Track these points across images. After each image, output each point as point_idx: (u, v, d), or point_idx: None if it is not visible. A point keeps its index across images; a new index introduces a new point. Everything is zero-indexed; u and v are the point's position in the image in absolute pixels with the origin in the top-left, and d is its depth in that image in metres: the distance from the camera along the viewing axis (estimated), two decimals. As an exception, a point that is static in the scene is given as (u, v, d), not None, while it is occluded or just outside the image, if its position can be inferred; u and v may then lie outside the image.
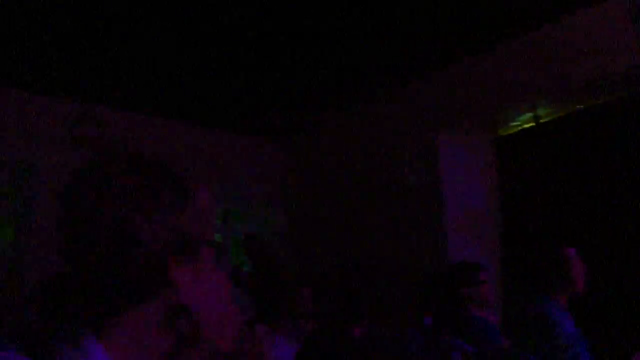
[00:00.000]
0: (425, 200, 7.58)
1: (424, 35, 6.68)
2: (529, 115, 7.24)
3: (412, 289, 6.72)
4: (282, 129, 9.47)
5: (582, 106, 6.94)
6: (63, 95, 8.13)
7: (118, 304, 1.26)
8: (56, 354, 1.20)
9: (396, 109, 8.15)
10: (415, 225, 7.66)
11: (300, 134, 9.58)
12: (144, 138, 8.73)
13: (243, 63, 7.22)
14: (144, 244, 1.22)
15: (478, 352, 4.05)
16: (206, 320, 1.29)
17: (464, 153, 7.72)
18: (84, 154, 8.27)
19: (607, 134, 6.69)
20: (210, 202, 1.41)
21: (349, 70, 7.49)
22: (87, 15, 6.08)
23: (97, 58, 7.05)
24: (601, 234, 6.48)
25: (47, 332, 1.31)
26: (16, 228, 8.38)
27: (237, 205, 10.01)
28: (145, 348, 1.25)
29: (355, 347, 4.25)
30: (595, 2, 5.98)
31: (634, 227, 6.23)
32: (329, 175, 9.11)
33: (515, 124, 7.53)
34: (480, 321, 5.06)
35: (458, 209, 7.47)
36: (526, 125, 7.52)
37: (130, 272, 1.22)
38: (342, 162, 8.89)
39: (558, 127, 7.20)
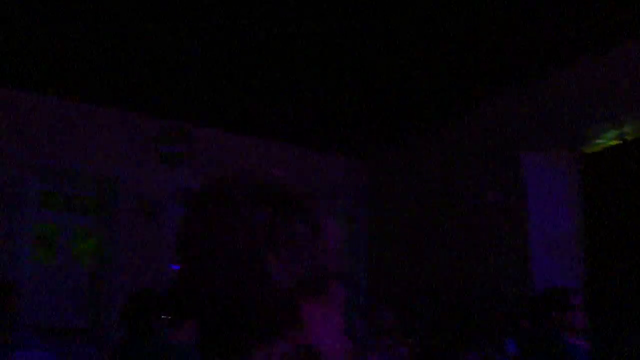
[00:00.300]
0: (508, 220, 7.45)
1: (507, 52, 6.60)
2: (615, 132, 7.03)
3: (493, 312, 6.62)
4: (363, 147, 9.49)
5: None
6: (150, 112, 8.38)
7: (241, 346, 1.16)
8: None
9: (479, 126, 8.05)
10: (497, 245, 7.54)
11: (382, 153, 9.56)
12: (228, 154, 8.92)
13: (329, 84, 7.31)
14: (276, 282, 1.12)
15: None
16: (329, 354, 1.21)
17: (548, 171, 7.55)
18: (168, 169, 8.52)
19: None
20: (338, 232, 1.31)
21: (430, 89, 7.46)
22: (177, 36, 6.27)
23: (187, 77, 7.25)
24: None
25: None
26: (99, 239, 8.67)
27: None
28: None
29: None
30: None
31: None
32: (409, 194, 9.06)
33: (600, 141, 7.32)
34: (570, 348, 4.91)
35: (541, 229, 7.31)
36: (612, 143, 7.30)
37: (258, 312, 1.13)
38: (423, 181, 8.83)
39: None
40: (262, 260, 1.12)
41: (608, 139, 7.26)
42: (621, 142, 7.16)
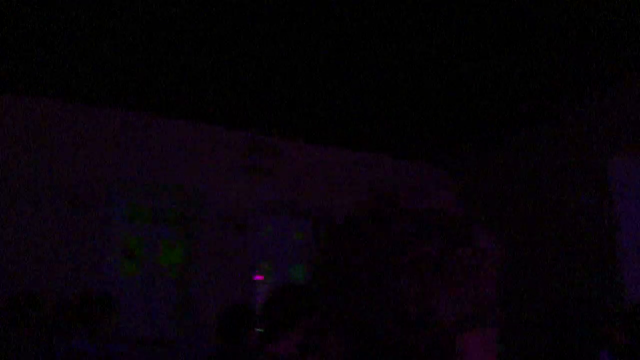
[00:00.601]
0: (596, 226, 7.25)
1: (593, 57, 6.45)
2: None
3: (586, 323, 6.45)
4: (449, 155, 9.40)
5: None
6: (236, 125, 8.52)
7: None
8: None
9: (565, 132, 7.87)
10: (585, 252, 7.34)
11: (469, 160, 9.44)
12: (312, 166, 8.97)
13: (413, 93, 7.28)
14: (440, 319, 1.00)
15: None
16: None
17: (638, 176, 7.32)
18: (253, 181, 8.63)
19: None
20: (499, 255, 1.14)
21: (517, 97, 7.35)
22: (263, 52, 6.35)
23: (272, 90, 7.34)
24: None
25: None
26: (184, 251, 8.83)
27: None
28: None
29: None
30: None
31: None
32: (495, 203, 8.91)
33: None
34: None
35: (632, 235, 7.08)
36: None
37: (417, 349, 1.01)
38: (509, 189, 8.68)
39: None
40: (428, 296, 1.00)
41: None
42: None
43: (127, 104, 8.01)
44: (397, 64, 6.60)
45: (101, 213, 8.01)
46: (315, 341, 3.45)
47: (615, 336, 5.26)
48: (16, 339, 4.44)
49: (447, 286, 1.01)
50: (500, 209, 8.78)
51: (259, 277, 9.07)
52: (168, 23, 5.90)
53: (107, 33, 6.14)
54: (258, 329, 4.32)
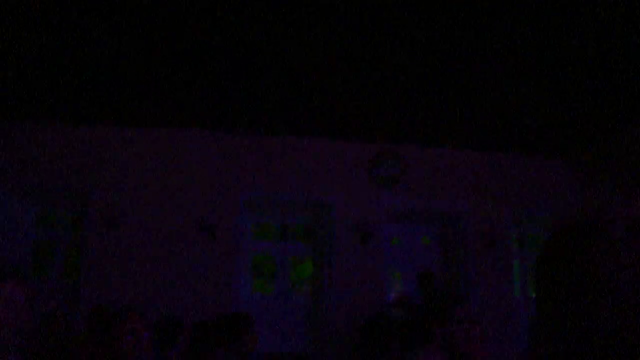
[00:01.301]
0: None
1: None
2: None
3: None
4: (571, 146, 9.02)
5: None
6: (359, 137, 8.50)
7: None
8: None
9: None
10: None
11: (590, 151, 9.03)
12: (437, 171, 8.82)
13: (530, 85, 7.01)
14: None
15: None
16: None
17: None
18: (381, 192, 8.58)
19: None
20: None
21: (634, 87, 6.95)
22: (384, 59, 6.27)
23: (391, 100, 7.25)
24: None
25: None
26: (315, 263, 8.85)
27: (531, 229, 9.75)
28: None
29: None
30: None
31: None
32: (620, 192, 8.47)
33: None
34: None
35: None
36: None
37: None
38: (627, 179, 8.22)
39: None
40: (629, 327, 0.94)
41: None
42: None
43: (249, 127, 8.14)
44: (524, 60, 6.35)
45: (230, 234, 8.15)
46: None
47: None
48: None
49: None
50: (620, 199, 8.32)
51: (391, 296, 8.99)
52: (297, 47, 5.92)
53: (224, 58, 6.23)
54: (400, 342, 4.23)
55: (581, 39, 6.02)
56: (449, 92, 7.12)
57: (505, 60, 6.42)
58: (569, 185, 9.47)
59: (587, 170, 9.19)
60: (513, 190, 9.09)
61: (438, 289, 8.04)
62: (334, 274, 8.29)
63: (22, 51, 6.35)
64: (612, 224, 1.02)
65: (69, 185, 8.49)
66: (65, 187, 8.53)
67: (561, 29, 5.84)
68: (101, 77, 6.93)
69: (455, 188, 8.84)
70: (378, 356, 4.46)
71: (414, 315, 7.74)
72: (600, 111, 7.76)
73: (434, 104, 7.46)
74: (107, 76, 6.91)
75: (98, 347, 5.19)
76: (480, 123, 8.07)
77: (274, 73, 6.60)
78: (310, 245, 8.94)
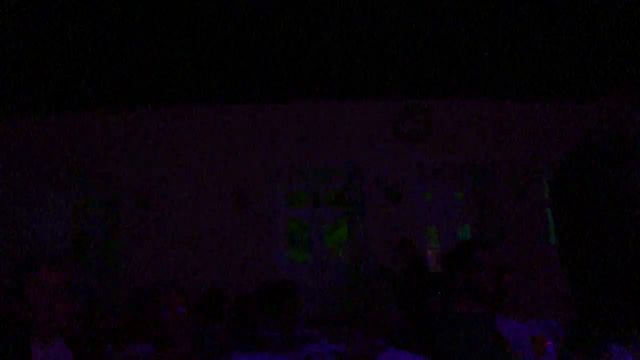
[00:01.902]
0: None
1: None
2: None
3: None
4: (604, 90, 8.80)
5: None
6: (385, 95, 8.39)
7: None
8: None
9: None
10: None
11: (623, 94, 8.77)
12: (465, 125, 8.69)
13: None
14: None
15: None
16: None
17: None
18: (408, 149, 8.48)
19: None
20: None
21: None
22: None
23: (415, 52, 7.15)
24: None
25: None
26: (349, 228, 8.85)
27: None
28: None
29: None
30: None
31: None
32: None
33: None
34: None
35: None
36: None
37: None
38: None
39: None
40: None
41: None
42: None
43: (275, 96, 8.12)
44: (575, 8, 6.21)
45: (263, 204, 8.17)
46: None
47: None
48: (210, 332, 4.56)
49: None
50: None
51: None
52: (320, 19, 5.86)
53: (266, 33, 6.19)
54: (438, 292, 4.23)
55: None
56: (469, 41, 7.01)
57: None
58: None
59: (621, 115, 8.99)
60: (543, 138, 8.96)
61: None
62: (369, 236, 8.28)
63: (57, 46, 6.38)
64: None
65: (101, 172, 8.57)
66: (97, 174, 8.61)
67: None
68: (127, 60, 6.94)
69: (485, 140, 8.72)
70: (418, 308, 4.48)
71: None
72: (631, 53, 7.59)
73: (455, 54, 7.35)
74: (132, 59, 6.91)
75: (138, 327, 5.26)
76: (507, 70, 7.93)
77: (294, 38, 6.55)
78: (343, 209, 8.92)
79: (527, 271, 8.47)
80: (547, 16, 6.51)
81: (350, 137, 8.43)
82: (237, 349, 4.29)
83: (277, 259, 8.19)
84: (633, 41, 7.31)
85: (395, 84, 8.04)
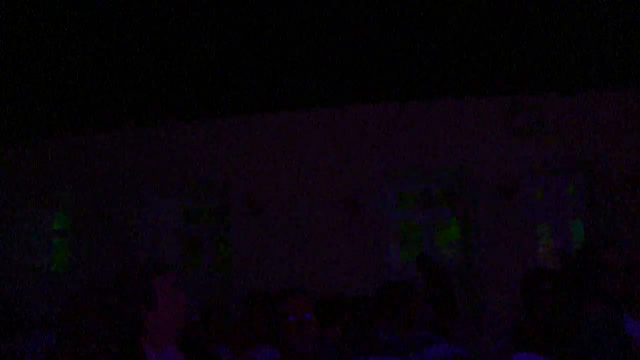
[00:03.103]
0: None
1: None
2: None
3: None
4: None
5: None
6: (494, 91, 8.22)
7: None
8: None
9: None
10: None
11: None
12: (578, 118, 8.38)
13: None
14: None
15: None
16: None
17: None
18: (519, 145, 8.24)
19: None
20: None
21: None
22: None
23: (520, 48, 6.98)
24: None
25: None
26: (460, 226, 8.70)
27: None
28: None
29: None
30: None
31: None
32: None
33: None
34: None
35: None
36: None
37: None
38: None
39: None
40: None
41: None
42: None
43: (382, 97, 8.09)
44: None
45: (374, 206, 8.14)
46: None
47: None
48: (329, 337, 4.56)
49: None
50: None
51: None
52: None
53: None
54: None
55: None
56: (581, 34, 6.77)
57: None
58: None
59: None
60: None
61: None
62: (481, 234, 8.11)
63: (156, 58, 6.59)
64: None
65: (210, 178, 8.78)
66: (206, 180, 8.82)
67: None
68: (237, 68, 7.08)
69: (595, 133, 8.36)
70: (543, 309, 4.31)
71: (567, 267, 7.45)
72: None
73: (566, 48, 7.12)
74: (241, 68, 7.05)
75: (256, 332, 5.31)
76: (620, 62, 7.60)
77: (403, 37, 6.49)
78: (454, 208, 8.79)
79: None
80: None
81: (460, 134, 8.29)
82: (356, 353, 4.27)
83: (389, 261, 8.14)
84: None
85: (507, 80, 7.84)
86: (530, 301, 4.52)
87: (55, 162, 9.98)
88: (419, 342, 4.71)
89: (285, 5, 5.72)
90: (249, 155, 8.63)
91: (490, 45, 6.85)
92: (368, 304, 5.45)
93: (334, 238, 8.12)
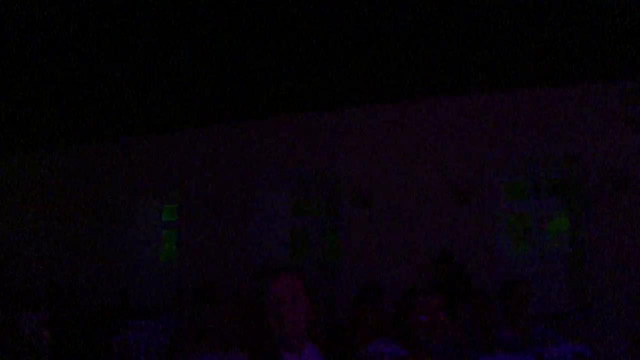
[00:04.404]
0: None
1: None
2: None
3: None
4: None
5: None
6: (607, 78, 7.89)
7: None
8: None
9: None
10: None
11: None
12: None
13: None
14: None
15: None
16: None
17: None
18: (634, 134, 7.87)
19: None
20: None
21: None
22: None
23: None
24: None
25: None
26: (571, 218, 8.45)
27: None
28: None
29: None
30: None
31: None
32: None
33: None
34: None
35: None
36: None
37: None
38: None
39: None
40: None
41: None
42: None
43: (488, 85, 7.95)
44: None
45: (483, 196, 8.00)
46: None
47: None
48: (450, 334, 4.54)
49: None
50: None
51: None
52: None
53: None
54: None
55: None
56: None
57: None
58: None
59: None
60: None
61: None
62: (592, 227, 7.83)
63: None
64: None
65: (319, 170, 8.86)
66: (315, 173, 8.91)
67: None
68: (340, 62, 7.12)
69: None
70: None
71: None
72: None
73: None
74: (345, 62, 7.08)
75: (375, 323, 5.33)
76: None
77: (515, 21, 6.32)
78: (564, 199, 8.54)
79: None
80: None
81: (571, 122, 8.00)
82: (475, 351, 4.24)
83: (499, 253, 7.99)
84: None
85: (621, 65, 7.51)
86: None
87: (166, 155, 10.31)
88: (536, 340, 4.64)
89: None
90: (358, 147, 8.66)
91: (604, 28, 6.59)
92: (480, 299, 5.39)
93: (443, 230, 8.04)
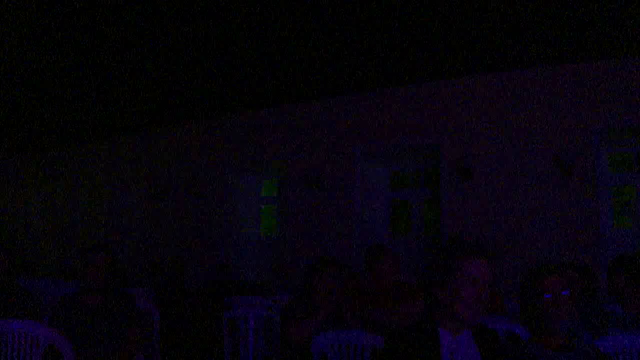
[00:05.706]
0: None
1: None
2: None
3: None
4: None
5: None
6: None
7: None
8: None
9: None
10: None
11: None
12: None
13: None
14: None
15: None
16: None
17: None
18: None
19: None
20: None
21: None
22: None
23: None
24: None
25: None
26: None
27: None
28: None
29: None
30: None
31: None
32: None
33: None
34: None
35: None
36: None
37: None
38: None
39: None
40: None
41: None
42: None
43: (591, 55, 7.63)
44: None
45: (586, 169, 7.74)
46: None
47: None
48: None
49: None
50: None
51: None
52: None
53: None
54: None
55: None
56: None
57: None
58: None
59: None
60: None
61: None
62: None
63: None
64: None
65: (419, 142, 8.80)
66: (415, 145, 8.85)
67: None
68: (437, 32, 7.00)
69: None
70: None
71: None
72: None
73: None
74: (441, 32, 6.95)
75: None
76: None
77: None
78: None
79: None
80: None
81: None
82: (587, 328, 4.14)
83: (603, 229, 7.73)
84: None
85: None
86: None
87: (265, 130, 10.47)
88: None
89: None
90: (459, 119, 8.53)
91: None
92: (588, 275, 5.25)
93: (544, 202, 7.83)
